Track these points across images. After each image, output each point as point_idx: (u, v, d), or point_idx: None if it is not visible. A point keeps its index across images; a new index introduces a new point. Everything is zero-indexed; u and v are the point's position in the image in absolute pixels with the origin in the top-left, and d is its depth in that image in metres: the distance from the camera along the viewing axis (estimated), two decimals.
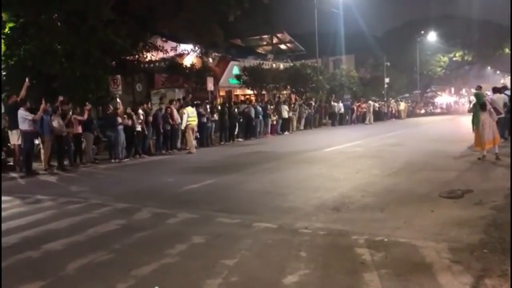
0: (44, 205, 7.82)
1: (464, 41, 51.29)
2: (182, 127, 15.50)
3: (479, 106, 10.96)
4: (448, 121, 29.21)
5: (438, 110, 43.80)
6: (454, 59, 54.84)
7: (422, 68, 50.12)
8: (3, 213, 7.24)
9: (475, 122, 11.18)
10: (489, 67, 65.53)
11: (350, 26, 38.61)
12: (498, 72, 67.59)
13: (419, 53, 47.96)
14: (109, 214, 6.98)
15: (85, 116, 13.14)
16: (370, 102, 32.56)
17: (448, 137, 17.90)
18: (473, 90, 14.67)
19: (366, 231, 5.49)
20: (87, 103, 14.28)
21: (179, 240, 5.41)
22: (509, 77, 65.60)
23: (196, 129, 16.58)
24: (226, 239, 5.49)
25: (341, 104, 29.75)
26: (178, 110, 16.14)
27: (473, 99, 12.77)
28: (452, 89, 62.67)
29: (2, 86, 13.38)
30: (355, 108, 31.32)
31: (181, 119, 15.68)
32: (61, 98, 12.52)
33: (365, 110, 31.56)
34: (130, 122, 14.18)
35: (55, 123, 12.16)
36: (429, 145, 14.85)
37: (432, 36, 50.80)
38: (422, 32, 50.44)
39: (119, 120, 13.76)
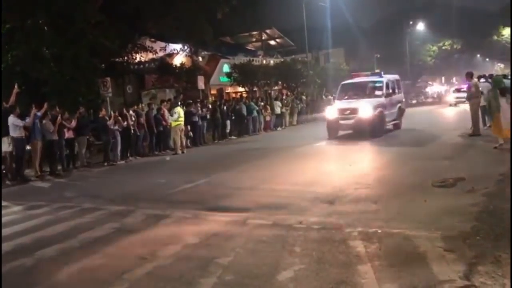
0: (37, 212, 7.77)
1: (452, 29, 51.49)
2: (173, 126, 15.37)
3: (499, 91, 10.61)
4: (439, 110, 29.31)
5: (430, 100, 43.88)
6: (443, 48, 55.06)
7: (412, 58, 50.28)
8: None
9: (493, 108, 10.76)
10: (478, 55, 65.87)
11: (339, 19, 38.66)
12: (487, 59, 67.98)
13: (408, 44, 48.09)
14: (103, 218, 6.94)
15: (73, 123, 13.02)
16: None
17: (439, 126, 17.97)
18: (481, 80, 14.45)
19: (359, 223, 5.51)
20: (80, 107, 14.21)
21: (173, 241, 5.40)
22: (499, 64, 65.98)
23: (188, 128, 16.53)
24: (220, 237, 5.49)
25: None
26: (169, 111, 16.06)
27: (484, 86, 12.67)
28: (443, 78, 62.93)
29: None
30: None
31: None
32: (45, 106, 12.33)
33: None
34: (125, 124, 14.12)
35: (46, 128, 12.07)
36: (421, 135, 14.91)
37: (420, 26, 50.97)
38: (411, 22, 50.59)
39: (111, 126, 13.67)
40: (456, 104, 30.83)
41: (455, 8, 51.23)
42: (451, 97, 34.45)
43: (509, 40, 51.16)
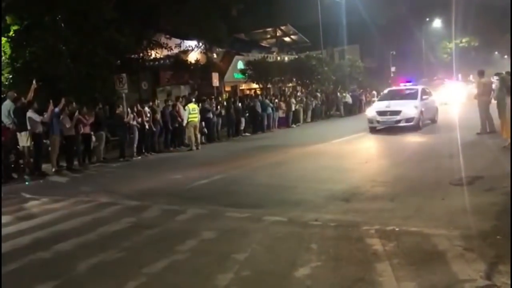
0: (54, 206, 7.85)
1: (469, 26, 50.67)
2: (184, 124, 15.47)
3: (506, 90, 10.48)
4: (455, 108, 28.88)
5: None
6: (460, 45, 54.26)
7: (428, 55, 49.69)
8: (14, 215, 7.30)
9: (501, 106, 10.72)
10: (496, 52, 64.80)
11: (354, 15, 38.21)
12: (505, 56, 66.80)
13: (424, 40, 47.55)
14: (119, 213, 6.99)
15: (90, 120, 13.15)
16: (374, 92, 32.37)
17: (455, 124, 17.72)
18: (494, 78, 14.32)
19: (376, 221, 5.46)
20: (99, 103, 14.42)
21: (189, 236, 5.42)
22: None
23: (203, 124, 16.63)
24: (236, 233, 5.49)
25: (348, 95, 29.58)
26: (184, 107, 16.14)
27: (497, 85, 12.55)
28: (459, 75, 62.12)
29: (10, 89, 13.42)
30: (364, 98, 31.12)
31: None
32: (63, 101, 12.46)
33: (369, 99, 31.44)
34: (140, 120, 14.25)
35: (63, 123, 12.21)
36: (437, 132, 14.73)
37: (437, 23, 50.35)
38: (427, 19, 49.98)
39: (130, 121, 13.85)
40: (377, 126, 16.12)
41: (472, 4, 50.42)
42: (372, 110, 17.10)
43: None
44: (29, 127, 11.39)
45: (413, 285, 3.71)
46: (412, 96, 17.02)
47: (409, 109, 15.73)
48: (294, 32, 38.52)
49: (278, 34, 38.65)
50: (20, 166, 11.85)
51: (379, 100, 18.66)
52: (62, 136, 12.26)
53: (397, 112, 15.66)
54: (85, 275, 4.52)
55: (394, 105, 16.15)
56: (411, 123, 15.43)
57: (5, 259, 5.03)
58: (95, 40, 16.45)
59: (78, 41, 16.24)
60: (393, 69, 41.83)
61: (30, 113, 11.43)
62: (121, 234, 5.80)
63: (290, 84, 31.38)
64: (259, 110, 20.34)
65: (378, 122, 16.08)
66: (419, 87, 18.04)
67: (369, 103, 31.07)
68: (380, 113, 16.15)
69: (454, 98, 27.29)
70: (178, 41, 25.72)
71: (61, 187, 10.11)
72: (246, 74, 27.36)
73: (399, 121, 15.49)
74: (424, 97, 17.00)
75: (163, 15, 23.42)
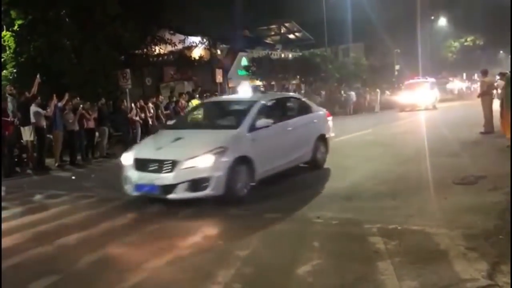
0: (57, 200, 7.86)
1: (474, 25, 50.40)
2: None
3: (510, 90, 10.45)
4: (460, 107, 28.75)
5: (450, 96, 43.19)
6: (465, 44, 53.99)
7: (433, 54, 49.45)
8: (17, 209, 7.32)
9: (504, 106, 10.72)
10: (501, 51, 64.46)
11: (359, 13, 38.07)
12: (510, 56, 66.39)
13: (429, 39, 47.31)
14: (122, 208, 7.00)
15: (93, 115, 13.17)
16: (377, 90, 32.25)
17: (459, 123, 17.64)
18: (497, 77, 14.37)
19: (378, 219, 5.44)
20: (102, 98, 14.47)
21: (192, 232, 5.42)
22: None
23: None
24: (238, 230, 5.50)
25: (353, 93, 29.51)
26: (187, 103, 16.16)
27: (500, 83, 12.53)
28: (464, 74, 61.87)
29: (13, 83, 13.49)
30: (367, 96, 31.02)
31: None
32: (66, 96, 12.49)
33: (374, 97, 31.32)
34: (143, 115, 14.27)
35: (66, 118, 12.24)
36: (440, 132, 14.66)
37: (442, 21, 50.12)
38: (432, 17, 49.76)
39: (133, 116, 13.89)
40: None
41: (478, 2, 50.15)
42: (130, 155, 7.25)
43: None
44: (33, 121, 11.42)
45: (415, 284, 3.70)
46: (237, 117, 7.74)
47: (198, 157, 6.50)
48: (298, 29, 38.50)
49: (282, 31, 38.68)
50: (24, 160, 11.89)
51: (169, 127, 9.01)
52: (65, 131, 12.27)
53: (168, 165, 6.53)
54: (87, 269, 4.53)
55: (173, 145, 7.10)
56: (205, 191, 6.42)
57: (7, 253, 5.04)
58: (99, 35, 16.49)
59: (82, 37, 16.28)
60: (397, 67, 41.65)
61: (33, 107, 11.45)
62: (123, 230, 5.81)
63: (294, 82, 31.34)
64: None
65: (133, 184, 6.92)
66: (261, 97, 8.76)
67: (371, 102, 30.94)
68: (141, 164, 6.91)
69: (422, 102, 25.17)
70: (182, 37, 25.69)
71: (64, 182, 10.11)
72: (250, 71, 27.36)
73: (172, 188, 6.43)
74: (261, 122, 7.46)
75: (167, 11, 23.42)
